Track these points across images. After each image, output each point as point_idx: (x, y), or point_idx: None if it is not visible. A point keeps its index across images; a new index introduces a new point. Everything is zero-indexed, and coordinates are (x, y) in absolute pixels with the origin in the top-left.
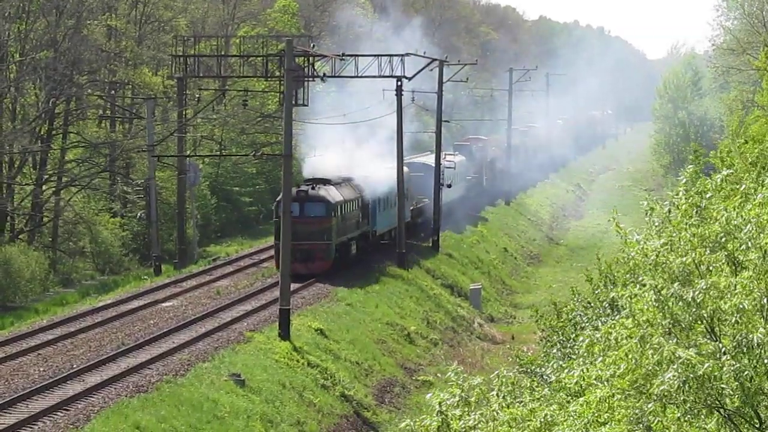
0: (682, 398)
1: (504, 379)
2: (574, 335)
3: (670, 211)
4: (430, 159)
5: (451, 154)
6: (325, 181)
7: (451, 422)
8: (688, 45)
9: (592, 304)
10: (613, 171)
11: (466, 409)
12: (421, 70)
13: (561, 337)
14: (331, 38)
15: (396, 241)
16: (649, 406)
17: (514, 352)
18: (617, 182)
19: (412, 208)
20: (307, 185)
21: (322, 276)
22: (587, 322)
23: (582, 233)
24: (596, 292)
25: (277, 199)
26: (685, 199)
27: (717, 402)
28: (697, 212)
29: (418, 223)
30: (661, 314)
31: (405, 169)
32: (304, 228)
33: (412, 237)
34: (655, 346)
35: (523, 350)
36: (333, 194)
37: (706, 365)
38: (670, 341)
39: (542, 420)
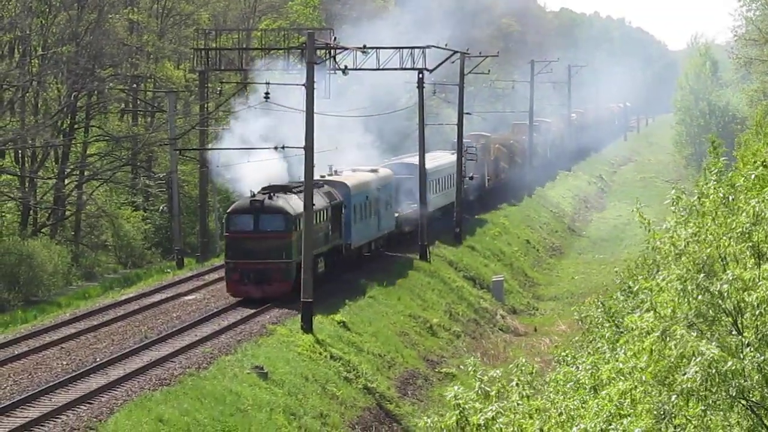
0: (704, 393)
1: (523, 368)
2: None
3: (699, 199)
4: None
5: (445, 153)
6: (286, 188)
7: (470, 416)
8: (709, 36)
9: (632, 293)
10: (634, 162)
11: (486, 402)
12: (443, 62)
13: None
14: (353, 29)
15: (418, 238)
16: (673, 398)
17: (549, 348)
18: (639, 174)
19: (397, 215)
20: (264, 194)
21: (281, 300)
22: (628, 311)
23: (604, 225)
24: (634, 282)
25: (228, 210)
26: (714, 189)
27: (740, 394)
28: (724, 203)
29: (405, 233)
30: (686, 305)
31: (388, 171)
32: (259, 245)
33: (398, 249)
34: (678, 338)
35: (554, 343)
36: (294, 204)
37: (729, 363)
38: (693, 334)
39: (564, 412)
